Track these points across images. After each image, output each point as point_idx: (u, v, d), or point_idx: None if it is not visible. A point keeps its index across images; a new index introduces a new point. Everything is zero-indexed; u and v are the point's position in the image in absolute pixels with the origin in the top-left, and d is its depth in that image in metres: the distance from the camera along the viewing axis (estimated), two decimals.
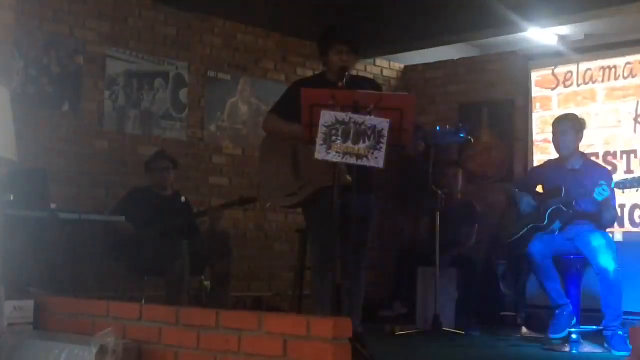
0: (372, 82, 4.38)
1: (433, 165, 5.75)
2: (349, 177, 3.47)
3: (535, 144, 7.04)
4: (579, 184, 4.86)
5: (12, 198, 4.30)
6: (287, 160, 3.97)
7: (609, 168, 5.84)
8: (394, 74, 8.10)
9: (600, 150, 6.56)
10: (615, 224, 5.80)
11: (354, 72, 4.09)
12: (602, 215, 4.82)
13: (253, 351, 2.74)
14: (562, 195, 4.89)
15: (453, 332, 5.66)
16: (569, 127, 4.97)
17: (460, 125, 3.69)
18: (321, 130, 3.34)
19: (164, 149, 5.87)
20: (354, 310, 3.81)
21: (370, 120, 3.34)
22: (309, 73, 7.19)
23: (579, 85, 6.87)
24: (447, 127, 3.75)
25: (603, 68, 6.73)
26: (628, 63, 6.57)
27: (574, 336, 4.80)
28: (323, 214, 3.78)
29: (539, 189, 5.22)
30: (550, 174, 5.10)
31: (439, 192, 5.92)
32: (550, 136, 5.18)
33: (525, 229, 5.02)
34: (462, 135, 4.00)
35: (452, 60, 7.78)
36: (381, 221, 7.09)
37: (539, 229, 4.96)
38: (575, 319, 4.81)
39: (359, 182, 3.52)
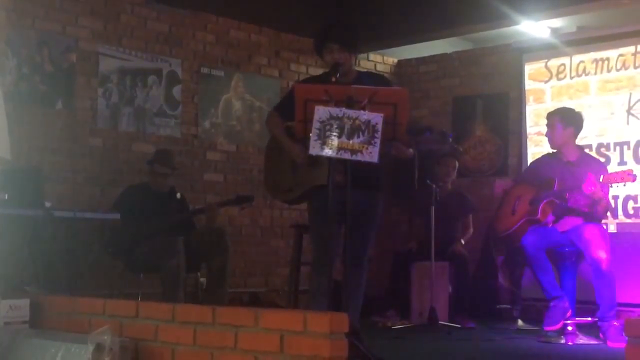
0: (382, 77, 4.33)
1: (428, 157, 5.73)
2: (338, 178, 3.46)
3: (529, 136, 7.04)
4: (573, 177, 4.88)
5: (6, 197, 4.31)
6: (288, 158, 4.00)
7: (603, 160, 5.86)
8: (387, 68, 8.10)
9: (594, 142, 6.57)
10: (609, 215, 5.82)
11: (361, 69, 4.09)
12: (595, 207, 4.84)
13: (250, 347, 2.74)
14: (555, 188, 4.91)
15: (449, 325, 5.68)
16: (555, 121, 5.02)
17: (446, 131, 3.73)
18: (315, 125, 3.34)
19: (168, 150, 5.79)
20: (353, 306, 3.81)
21: (364, 114, 3.34)
22: (302, 68, 7.19)
23: (572, 78, 6.87)
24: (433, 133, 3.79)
25: (595, 60, 6.73)
26: (620, 55, 6.58)
27: (569, 328, 4.81)
28: (317, 211, 3.83)
29: None
30: (545, 166, 5.12)
31: (433, 185, 5.91)
32: (544, 129, 5.22)
33: (519, 223, 5.03)
34: (450, 140, 4.02)
35: (446, 54, 7.78)
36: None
37: (532, 221, 4.97)
38: (570, 311, 4.82)
39: (361, 178, 3.52)
